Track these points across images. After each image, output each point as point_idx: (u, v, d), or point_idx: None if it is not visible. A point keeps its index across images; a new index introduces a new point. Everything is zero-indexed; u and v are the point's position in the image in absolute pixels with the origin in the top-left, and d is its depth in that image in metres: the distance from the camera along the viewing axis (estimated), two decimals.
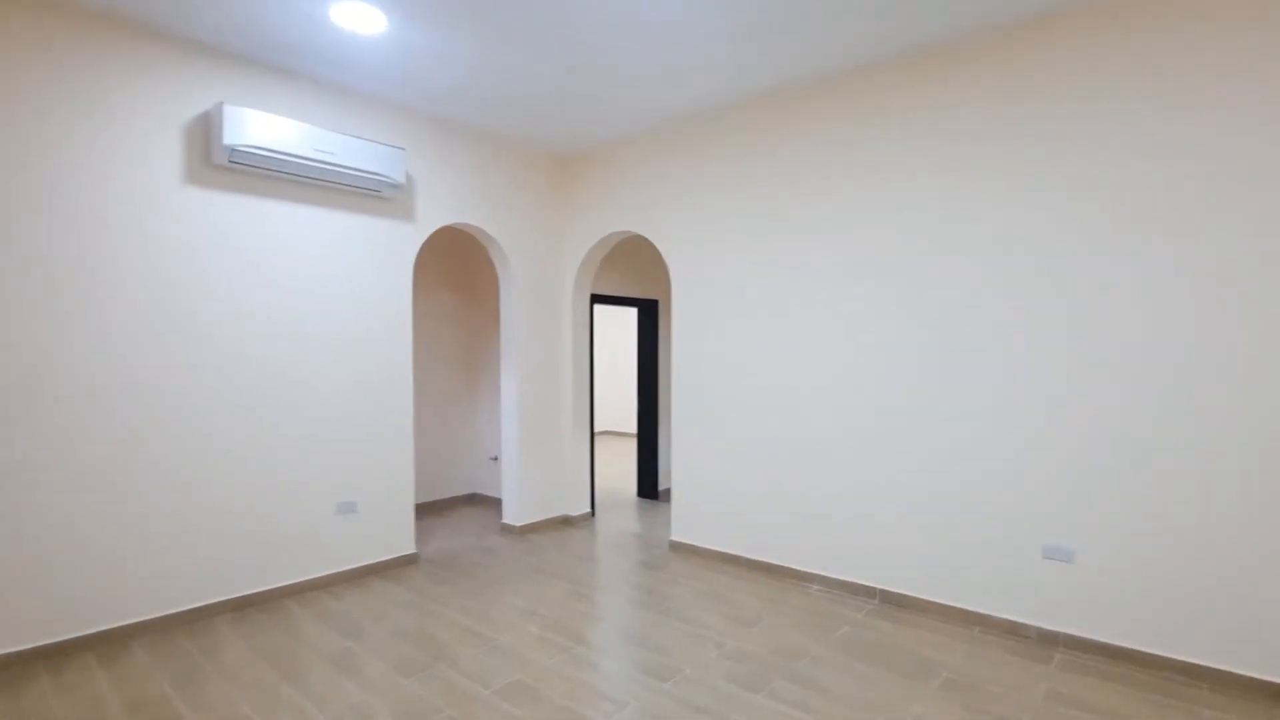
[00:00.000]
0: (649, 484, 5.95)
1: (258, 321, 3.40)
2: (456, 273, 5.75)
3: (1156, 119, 2.66)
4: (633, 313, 10.58)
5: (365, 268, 3.85)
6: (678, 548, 4.34)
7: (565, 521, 5.04)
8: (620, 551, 4.34)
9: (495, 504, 5.61)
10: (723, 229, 4.07)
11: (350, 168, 3.55)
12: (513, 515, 4.78)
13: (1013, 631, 3.03)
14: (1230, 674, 2.54)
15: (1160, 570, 2.69)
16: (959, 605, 3.20)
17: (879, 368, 3.45)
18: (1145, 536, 2.72)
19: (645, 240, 5.95)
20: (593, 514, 5.26)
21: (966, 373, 3.17)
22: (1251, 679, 2.50)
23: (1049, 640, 2.94)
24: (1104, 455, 2.81)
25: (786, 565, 3.82)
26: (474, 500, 5.80)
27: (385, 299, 3.94)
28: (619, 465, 7.79)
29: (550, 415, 4.96)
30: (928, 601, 3.29)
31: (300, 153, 3.35)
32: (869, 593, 3.49)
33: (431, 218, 4.18)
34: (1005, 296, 3.04)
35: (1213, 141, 2.55)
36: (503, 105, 3.97)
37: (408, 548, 4.08)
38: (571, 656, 2.82)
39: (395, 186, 3.79)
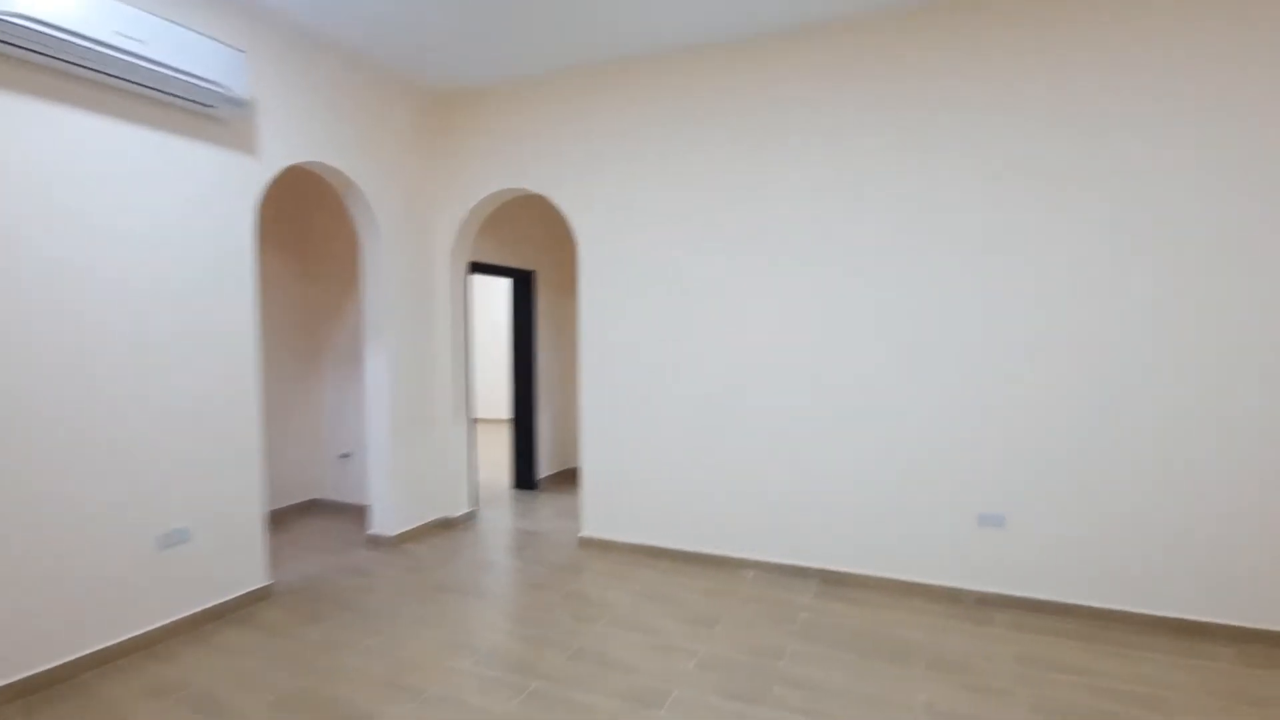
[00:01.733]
0: (526, 475, 5.41)
1: (22, 283, 2.30)
2: (287, 234, 4.63)
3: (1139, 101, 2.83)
4: (497, 284, 9.54)
5: (189, 210, 2.82)
6: (590, 544, 3.92)
7: (446, 524, 4.34)
8: (525, 555, 3.81)
9: (346, 511, 4.68)
10: (646, 191, 3.66)
11: (170, 67, 2.55)
12: (384, 523, 3.97)
13: (952, 598, 3.13)
14: (1137, 614, 2.84)
15: (1080, 529, 2.92)
16: (897, 577, 3.24)
17: (814, 346, 3.35)
18: (1068, 500, 2.93)
19: (522, 204, 5.31)
20: (474, 513, 4.61)
21: (905, 352, 3.17)
22: (1155, 616, 2.82)
23: (985, 602, 3.07)
24: (1035, 429, 2.97)
25: (717, 553, 3.61)
26: (316, 508, 4.78)
27: (219, 256, 2.94)
28: (485, 455, 7.05)
29: (426, 402, 4.20)
30: (866, 576, 3.30)
31: (93, 34, 2.30)
32: (806, 573, 3.42)
33: (280, 152, 3.21)
34: (946, 278, 3.08)
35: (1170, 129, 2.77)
36: (380, 22, 3.14)
37: (258, 579, 3.15)
38: (533, 696, 2.31)
39: (234, 103, 2.82)
